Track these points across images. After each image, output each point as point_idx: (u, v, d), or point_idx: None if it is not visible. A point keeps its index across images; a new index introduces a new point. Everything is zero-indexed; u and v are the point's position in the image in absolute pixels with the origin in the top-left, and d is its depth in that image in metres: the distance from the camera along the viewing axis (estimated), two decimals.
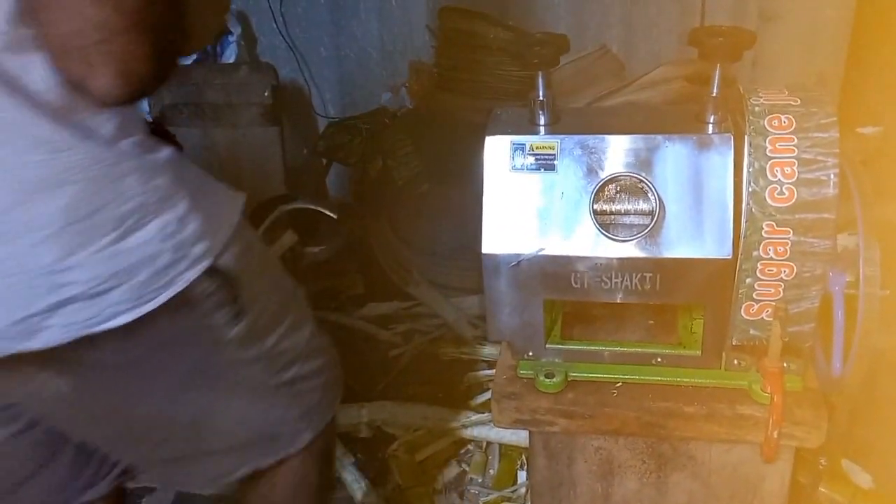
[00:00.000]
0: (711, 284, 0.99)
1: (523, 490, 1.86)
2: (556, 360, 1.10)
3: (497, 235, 1.02)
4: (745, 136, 0.93)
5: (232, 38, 2.87)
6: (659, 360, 1.07)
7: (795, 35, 2.13)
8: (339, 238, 2.97)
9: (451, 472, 1.96)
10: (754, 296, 0.98)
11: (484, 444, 2.01)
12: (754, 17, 2.15)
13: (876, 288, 0.96)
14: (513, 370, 1.12)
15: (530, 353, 1.10)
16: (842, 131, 0.93)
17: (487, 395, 2.08)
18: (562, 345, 1.09)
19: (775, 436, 0.98)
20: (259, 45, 2.98)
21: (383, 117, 2.63)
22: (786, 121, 0.93)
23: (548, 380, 1.08)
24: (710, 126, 0.98)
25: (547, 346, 1.09)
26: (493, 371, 2.07)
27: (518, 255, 1.02)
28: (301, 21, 2.88)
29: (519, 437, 1.90)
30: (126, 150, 0.81)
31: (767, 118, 0.93)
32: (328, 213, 2.63)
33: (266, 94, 2.73)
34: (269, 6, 2.87)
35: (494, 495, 1.85)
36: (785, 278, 0.96)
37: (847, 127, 0.97)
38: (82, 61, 0.70)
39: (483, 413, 2.02)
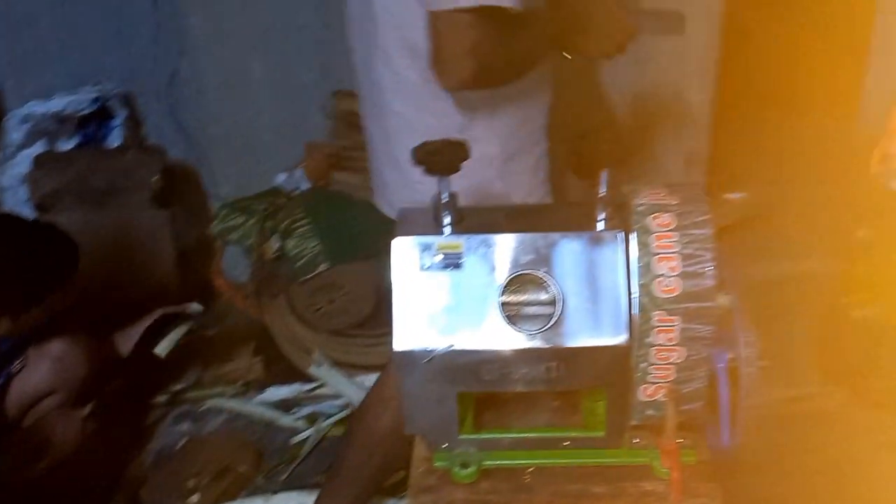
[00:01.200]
0: (610, 369, 1.06)
1: None
2: (470, 450, 1.13)
3: (409, 333, 1.06)
4: (632, 234, 1.02)
5: (116, 122, 2.82)
6: (567, 443, 1.13)
7: (664, 118, 2.32)
8: (235, 318, 2.93)
9: None
10: (649, 378, 1.06)
11: None
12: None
13: (754, 365, 1.06)
14: (428, 462, 1.15)
15: (445, 445, 1.13)
16: (711, 198, 1.04)
17: (399, 475, 2.07)
18: (475, 435, 1.13)
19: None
20: (146, 126, 2.94)
21: (279, 197, 2.64)
22: (667, 219, 1.02)
23: (463, 470, 1.11)
24: (601, 223, 1.07)
25: (460, 437, 1.12)
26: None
27: (430, 351, 1.05)
28: (190, 103, 2.87)
29: None
30: None
31: (651, 216, 1.02)
32: (189, 310, 2.58)
33: (155, 177, 2.69)
34: (157, 87, 2.86)
35: None
36: (676, 361, 1.04)
37: (716, 194, 1.08)
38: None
39: (398, 497, 2.01)
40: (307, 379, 2.55)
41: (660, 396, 1.07)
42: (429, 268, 1.07)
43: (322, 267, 2.54)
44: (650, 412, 1.08)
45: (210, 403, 2.50)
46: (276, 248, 2.59)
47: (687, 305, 1.01)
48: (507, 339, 1.05)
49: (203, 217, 2.91)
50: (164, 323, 2.54)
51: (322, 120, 2.75)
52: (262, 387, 2.57)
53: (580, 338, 1.05)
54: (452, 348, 1.05)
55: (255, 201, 2.72)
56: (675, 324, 1.02)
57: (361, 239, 2.58)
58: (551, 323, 1.03)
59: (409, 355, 1.06)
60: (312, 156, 2.67)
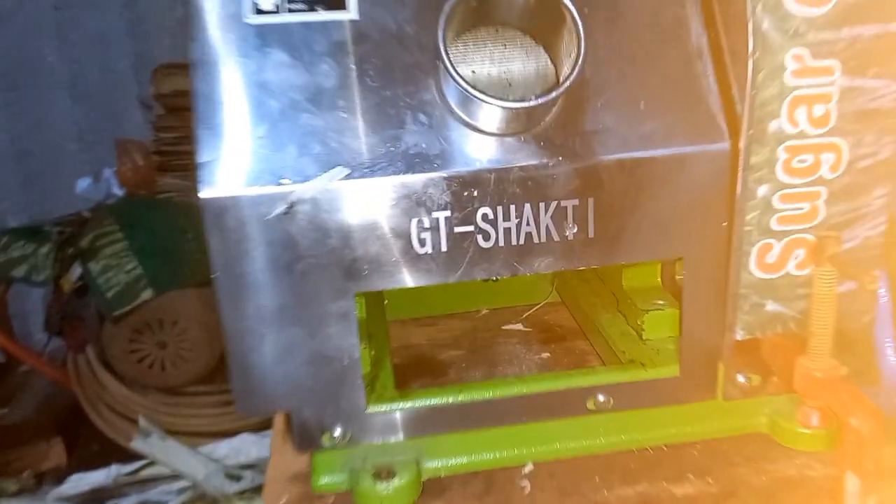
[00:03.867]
0: (692, 212, 0.49)
1: None
2: (394, 440, 0.50)
3: (236, 158, 0.44)
4: None
5: None
6: (601, 399, 0.52)
7: None
8: (33, 394, 2.14)
9: None
10: (774, 224, 0.49)
11: None
12: None
13: None
14: (300, 481, 0.51)
15: (337, 433, 0.49)
16: None
17: None
18: (402, 404, 0.51)
19: None
20: None
21: (81, 213, 1.94)
22: None
23: (382, 484, 0.48)
24: None
25: (369, 410, 0.50)
26: None
27: (287, 196, 0.44)
28: None
29: None
30: None
31: None
32: None
33: None
34: None
35: None
36: (828, 174, 0.48)
37: None
38: None
39: None
40: (129, 457, 1.80)
41: (792, 265, 0.50)
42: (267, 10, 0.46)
43: (145, 295, 1.83)
44: (773, 307, 0.51)
45: None
46: (78, 277, 1.86)
47: (858, 31, 0.46)
48: (468, 145, 0.46)
49: None
50: None
51: (143, 115, 2.11)
52: (62, 476, 1.79)
53: (628, 139, 0.47)
54: (344, 177, 0.45)
55: (50, 224, 1.99)
56: (832, 76, 0.47)
57: (197, 258, 1.91)
58: (553, 98, 0.45)
59: (234, 211, 0.44)
60: (128, 156, 1.99)
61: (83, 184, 1.96)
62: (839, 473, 0.47)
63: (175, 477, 1.77)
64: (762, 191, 0.48)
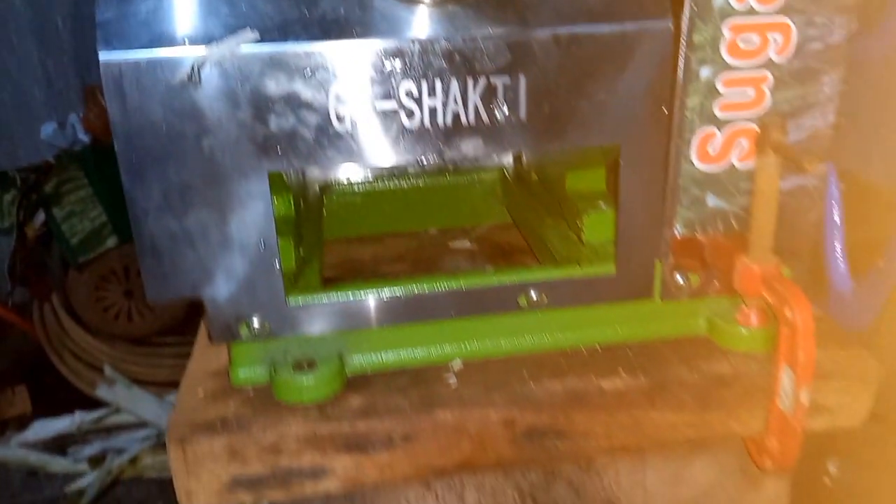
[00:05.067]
0: (631, 95, 0.46)
1: None
2: (317, 334, 0.48)
3: (139, 18, 0.42)
4: None
5: None
6: (533, 296, 0.50)
7: None
8: None
9: None
10: (717, 110, 0.47)
11: None
12: None
13: None
14: (220, 376, 0.49)
15: (255, 323, 0.47)
16: None
17: None
18: (325, 296, 0.48)
19: (803, 400, 0.44)
20: None
21: (45, 158, 1.89)
22: None
23: (303, 376, 0.46)
24: None
25: (290, 301, 0.47)
26: None
27: (190, 59, 0.41)
28: None
29: None
30: None
31: None
32: None
33: None
34: None
35: None
36: (776, 57, 0.46)
37: None
38: None
39: None
40: (95, 406, 1.77)
41: (735, 157, 0.48)
42: None
43: (109, 243, 1.80)
44: (714, 203, 0.49)
45: None
46: (42, 223, 1.82)
47: None
48: (387, 16, 0.43)
49: None
50: None
51: None
52: (26, 424, 1.76)
53: (562, 12, 0.45)
54: (253, 41, 0.42)
55: (14, 171, 1.94)
56: None
57: None
58: None
59: (133, 75, 0.41)
60: (95, 102, 1.94)
61: (47, 129, 1.91)
62: (775, 371, 0.46)
63: (139, 425, 1.74)
64: (705, 73, 0.46)
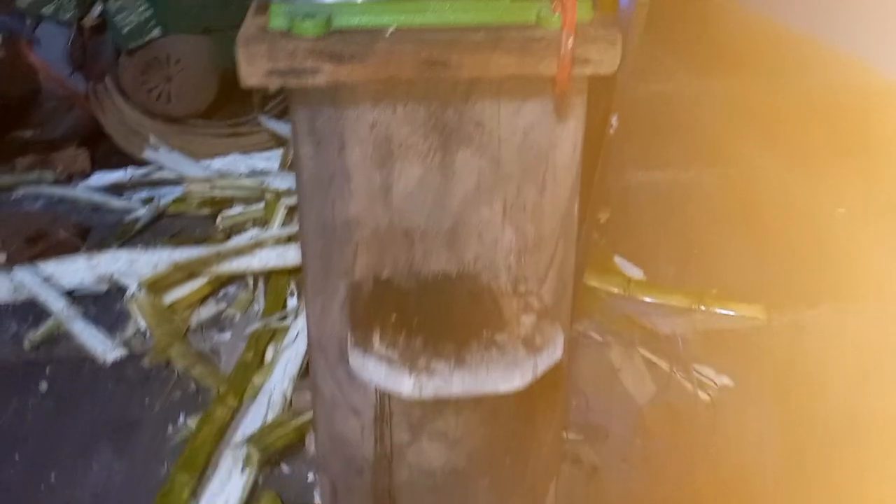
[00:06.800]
0: None
1: (292, 317, 1.63)
2: (315, 1, 0.89)
3: None
4: None
5: None
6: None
7: None
8: (63, 117, 2.51)
9: (209, 311, 1.67)
10: None
11: (249, 281, 1.74)
12: None
13: None
14: (263, 28, 0.90)
15: None
16: None
17: (247, 237, 1.81)
18: None
19: (569, 46, 0.85)
20: None
21: None
22: None
23: (307, 21, 0.86)
24: None
25: None
26: (252, 207, 1.85)
27: None
28: None
29: (286, 258, 1.66)
30: None
31: None
32: None
33: None
34: None
35: (259, 324, 1.60)
36: None
37: None
38: None
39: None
40: (141, 164, 2.21)
41: None
42: None
43: (154, 33, 2.18)
44: None
45: (24, 191, 2.12)
46: (98, 14, 2.20)
47: None
48: None
49: None
50: None
51: None
52: (87, 175, 2.21)
53: None
54: None
55: None
56: None
57: (203, 10, 2.24)
58: None
59: None
60: None
61: None
62: (561, 34, 0.86)
63: (178, 181, 2.19)
64: None
